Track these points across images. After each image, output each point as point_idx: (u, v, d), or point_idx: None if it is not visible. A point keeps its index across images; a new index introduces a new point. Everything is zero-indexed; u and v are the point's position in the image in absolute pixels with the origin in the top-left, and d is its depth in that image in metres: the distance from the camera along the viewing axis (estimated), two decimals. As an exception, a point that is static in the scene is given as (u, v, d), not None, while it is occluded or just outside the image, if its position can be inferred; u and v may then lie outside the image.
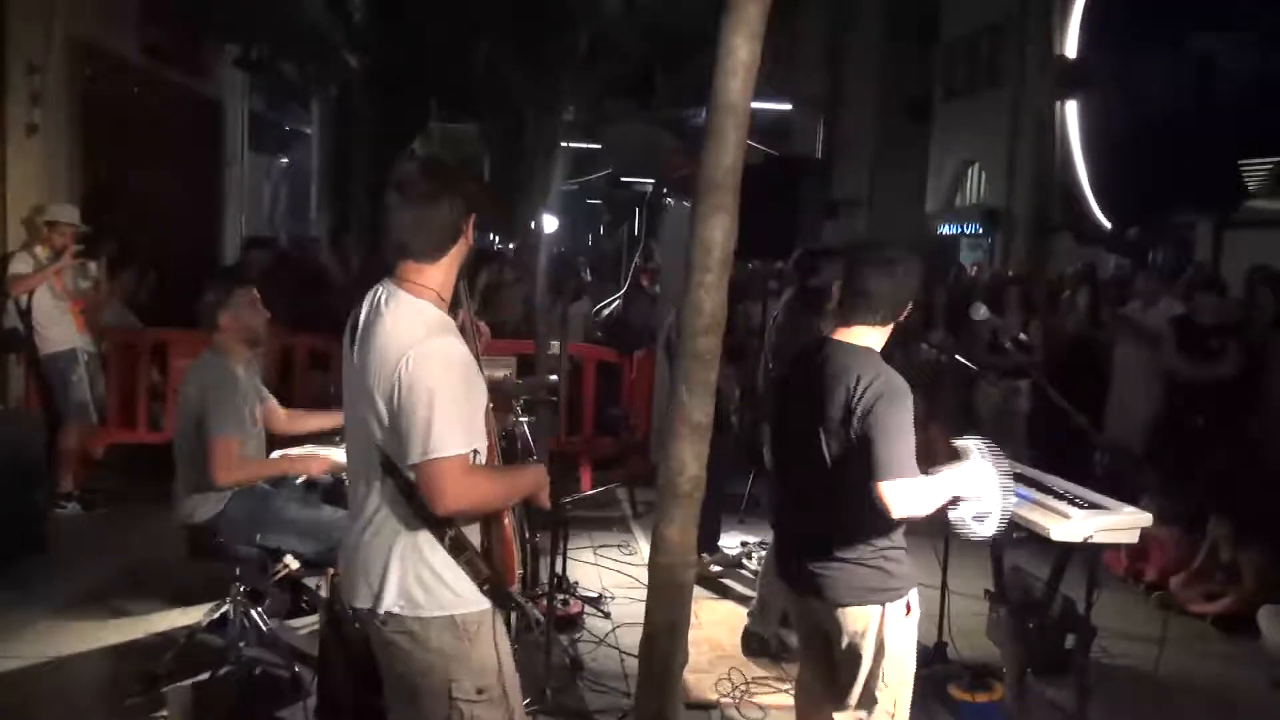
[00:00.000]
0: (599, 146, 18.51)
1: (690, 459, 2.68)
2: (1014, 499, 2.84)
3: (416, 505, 2.20)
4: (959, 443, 2.84)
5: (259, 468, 4.00)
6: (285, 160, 15.56)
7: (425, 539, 2.22)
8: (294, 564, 3.95)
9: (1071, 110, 14.49)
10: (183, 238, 9.61)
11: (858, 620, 2.76)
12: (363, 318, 2.27)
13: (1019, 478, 3.80)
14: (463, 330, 2.36)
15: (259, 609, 4.10)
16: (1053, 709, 3.97)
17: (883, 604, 2.75)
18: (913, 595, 2.81)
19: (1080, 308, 8.27)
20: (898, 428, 2.63)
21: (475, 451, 2.23)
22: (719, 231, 2.60)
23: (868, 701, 2.80)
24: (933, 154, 19.95)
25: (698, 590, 5.28)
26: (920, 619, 2.87)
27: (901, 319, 2.85)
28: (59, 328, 6.19)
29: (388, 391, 2.14)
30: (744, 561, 5.72)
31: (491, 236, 19.74)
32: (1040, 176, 15.70)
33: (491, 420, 2.36)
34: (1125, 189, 12.94)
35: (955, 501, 2.77)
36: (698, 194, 2.61)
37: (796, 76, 22.40)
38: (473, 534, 2.28)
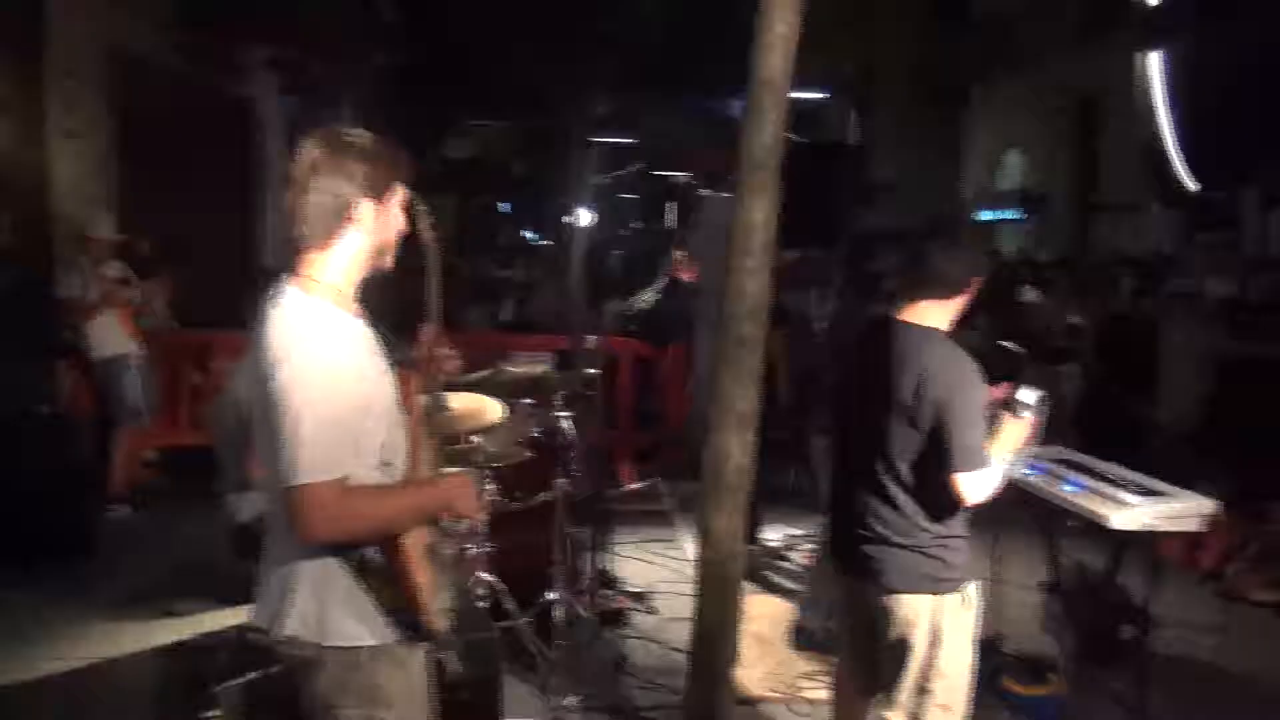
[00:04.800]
0: (632, 140, 18.44)
1: (735, 449, 2.62)
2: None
3: None
4: (1021, 394, 2.77)
5: None
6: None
7: (329, 562, 1.99)
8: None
9: (1154, 62, 13.20)
10: (219, 239, 9.65)
11: (910, 608, 2.70)
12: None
13: (1071, 465, 3.71)
14: (422, 360, 2.17)
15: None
16: (1112, 701, 3.87)
17: (938, 594, 2.69)
18: (971, 588, 2.75)
19: (1124, 289, 8.11)
20: (973, 417, 2.60)
21: (386, 464, 2.01)
22: (760, 213, 2.52)
23: (919, 693, 2.74)
24: (967, 137, 19.62)
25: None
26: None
27: (968, 297, 2.79)
28: (109, 334, 6.27)
29: (264, 405, 1.89)
30: (787, 554, 5.65)
31: (526, 233, 19.73)
32: (1082, 157, 15.30)
33: (416, 434, 2.10)
34: (1215, 149, 11.59)
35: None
36: (738, 176, 2.54)
37: (825, 63, 22.16)
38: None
